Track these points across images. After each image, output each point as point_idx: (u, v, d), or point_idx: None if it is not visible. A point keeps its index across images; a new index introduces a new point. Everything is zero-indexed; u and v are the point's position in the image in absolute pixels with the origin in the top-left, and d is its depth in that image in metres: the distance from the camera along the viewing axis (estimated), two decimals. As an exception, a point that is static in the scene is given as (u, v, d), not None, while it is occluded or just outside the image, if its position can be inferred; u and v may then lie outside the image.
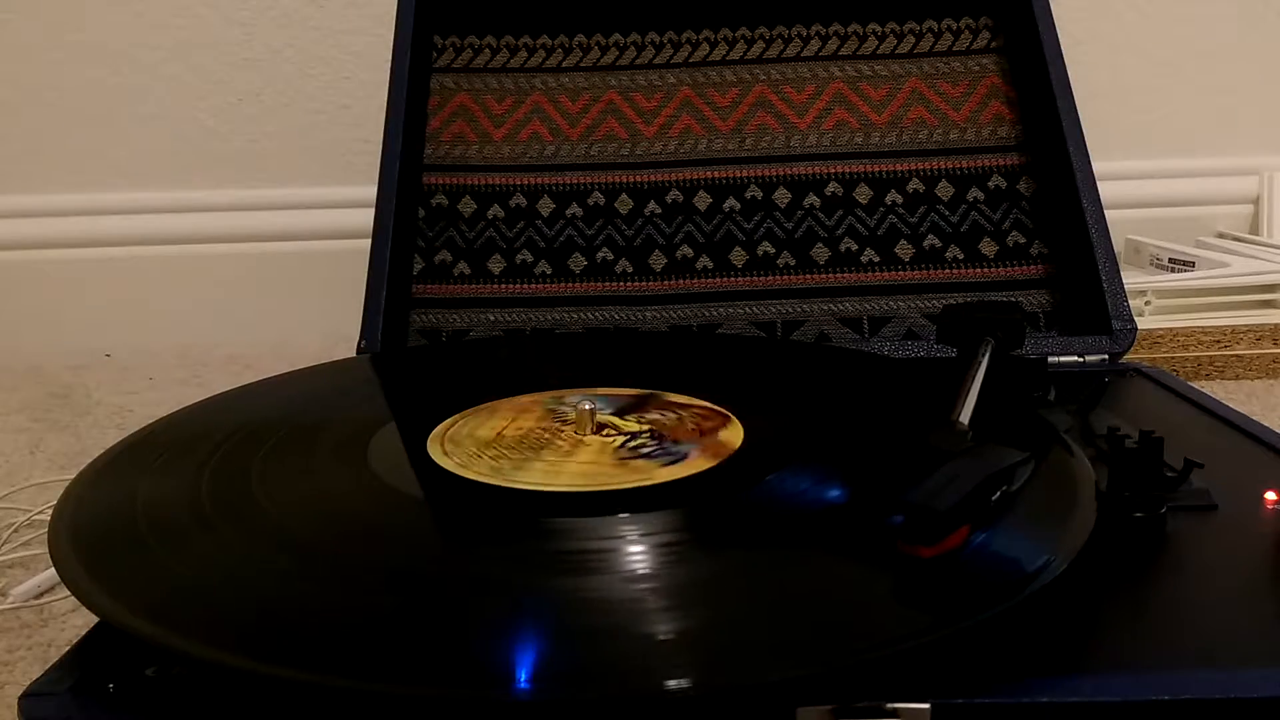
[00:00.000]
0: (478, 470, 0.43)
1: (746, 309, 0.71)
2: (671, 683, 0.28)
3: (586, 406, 0.47)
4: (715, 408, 0.50)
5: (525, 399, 0.51)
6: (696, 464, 0.43)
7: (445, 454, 0.45)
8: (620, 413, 0.49)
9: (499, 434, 0.47)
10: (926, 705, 0.30)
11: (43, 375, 0.97)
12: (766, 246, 0.72)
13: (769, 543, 0.37)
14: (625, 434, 0.47)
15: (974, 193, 0.73)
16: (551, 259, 0.73)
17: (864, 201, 0.73)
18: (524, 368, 0.61)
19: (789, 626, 0.31)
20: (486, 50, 0.79)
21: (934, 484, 0.35)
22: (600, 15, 0.79)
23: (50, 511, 0.41)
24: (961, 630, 0.31)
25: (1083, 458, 0.43)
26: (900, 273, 0.71)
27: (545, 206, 0.74)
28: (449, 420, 0.48)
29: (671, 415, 0.49)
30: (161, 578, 0.35)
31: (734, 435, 0.47)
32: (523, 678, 0.28)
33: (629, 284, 0.72)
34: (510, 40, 0.79)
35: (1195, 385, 0.61)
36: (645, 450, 0.45)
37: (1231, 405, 0.55)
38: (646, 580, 0.34)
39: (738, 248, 0.72)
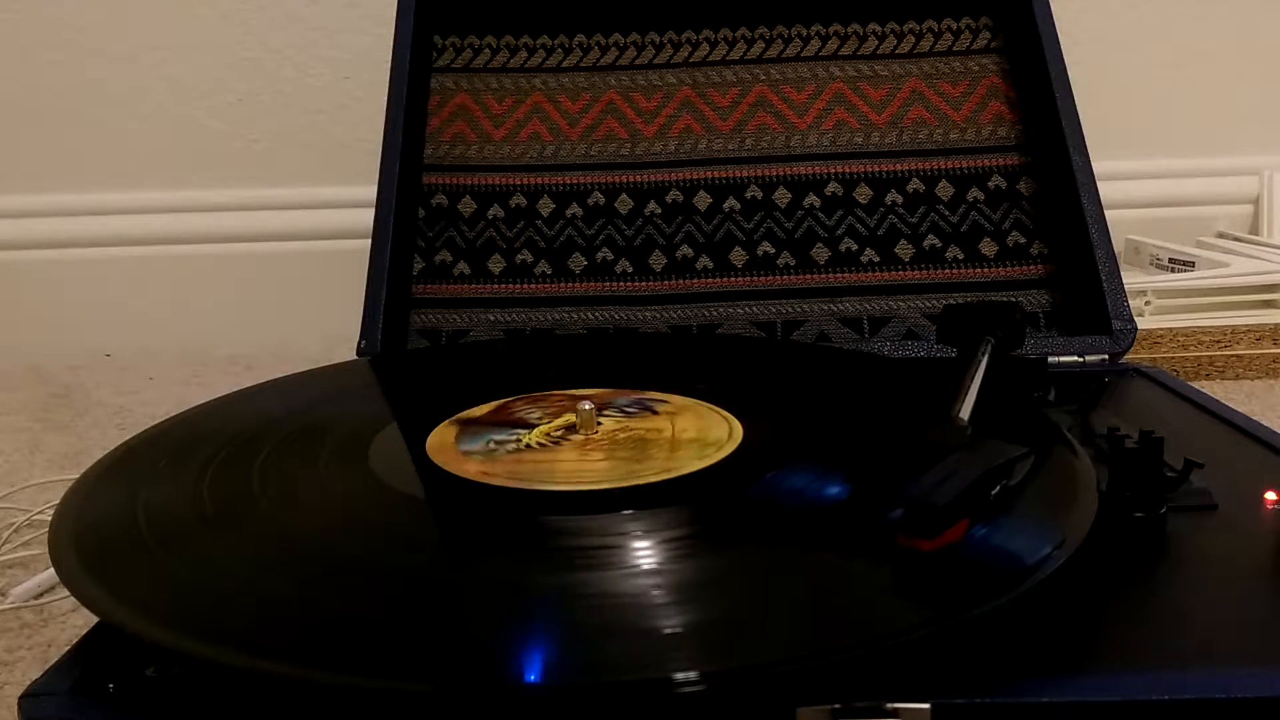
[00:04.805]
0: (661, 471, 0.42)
1: (746, 309, 0.71)
2: (679, 674, 0.28)
3: (587, 407, 0.47)
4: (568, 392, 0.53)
5: (452, 456, 0.46)
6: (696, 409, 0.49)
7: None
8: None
9: (578, 463, 0.44)
10: (926, 705, 0.30)
11: (43, 375, 0.97)
12: (766, 246, 0.72)
13: (770, 538, 0.37)
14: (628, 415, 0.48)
15: (974, 193, 0.73)
16: (551, 259, 0.73)
17: (864, 201, 0.73)
18: (524, 368, 0.61)
19: (791, 619, 0.31)
20: (486, 50, 0.79)
21: (933, 478, 0.35)
22: (600, 15, 0.79)
23: (50, 511, 0.41)
24: (961, 623, 0.31)
25: (1081, 452, 0.43)
26: (900, 273, 0.71)
27: (545, 206, 0.74)
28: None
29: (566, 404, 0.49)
30: (162, 578, 0.35)
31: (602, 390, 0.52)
32: (527, 671, 0.28)
33: (629, 284, 0.72)
34: (510, 40, 0.79)
35: (1195, 385, 0.61)
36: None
37: (1231, 405, 0.55)
38: (650, 576, 0.34)
39: (738, 248, 0.72)
